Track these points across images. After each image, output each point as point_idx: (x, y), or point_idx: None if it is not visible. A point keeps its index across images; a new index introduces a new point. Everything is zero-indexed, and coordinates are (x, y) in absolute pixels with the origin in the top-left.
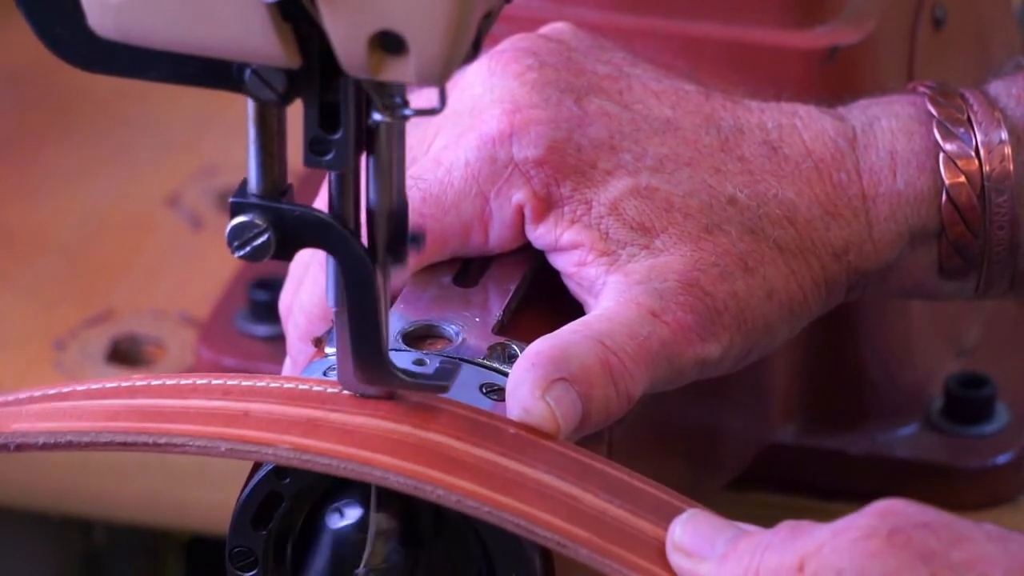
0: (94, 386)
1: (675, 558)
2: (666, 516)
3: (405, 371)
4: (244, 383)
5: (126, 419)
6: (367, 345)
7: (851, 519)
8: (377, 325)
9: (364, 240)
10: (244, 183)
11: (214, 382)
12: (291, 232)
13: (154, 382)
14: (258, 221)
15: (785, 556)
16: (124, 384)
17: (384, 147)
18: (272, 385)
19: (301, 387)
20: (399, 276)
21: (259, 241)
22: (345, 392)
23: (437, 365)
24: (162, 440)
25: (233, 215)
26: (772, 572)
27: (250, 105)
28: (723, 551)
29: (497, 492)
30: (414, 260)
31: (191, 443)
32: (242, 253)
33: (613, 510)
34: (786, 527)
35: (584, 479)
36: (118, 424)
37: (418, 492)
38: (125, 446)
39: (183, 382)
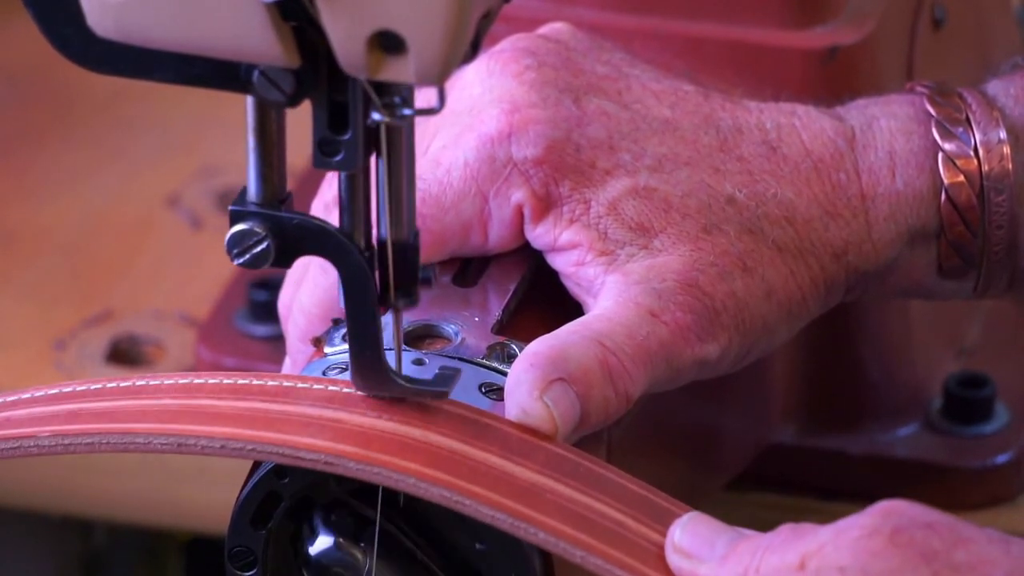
0: None
1: (675, 559)
2: (448, 424)
3: (405, 377)
4: (9, 398)
5: None
6: (366, 351)
7: (854, 519)
8: (376, 333)
9: (375, 275)
10: (243, 191)
11: None
12: (290, 240)
13: None
14: (257, 229)
15: (787, 555)
16: None
17: (386, 147)
18: (37, 395)
19: (65, 390)
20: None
21: (258, 249)
22: (94, 387)
23: (436, 365)
24: None
25: (232, 223)
26: (774, 570)
27: (249, 114)
28: (723, 552)
29: (260, 430)
30: None
31: None
32: (241, 261)
33: (381, 424)
34: (787, 528)
35: (348, 404)
36: None
37: (182, 450)
38: None
39: None
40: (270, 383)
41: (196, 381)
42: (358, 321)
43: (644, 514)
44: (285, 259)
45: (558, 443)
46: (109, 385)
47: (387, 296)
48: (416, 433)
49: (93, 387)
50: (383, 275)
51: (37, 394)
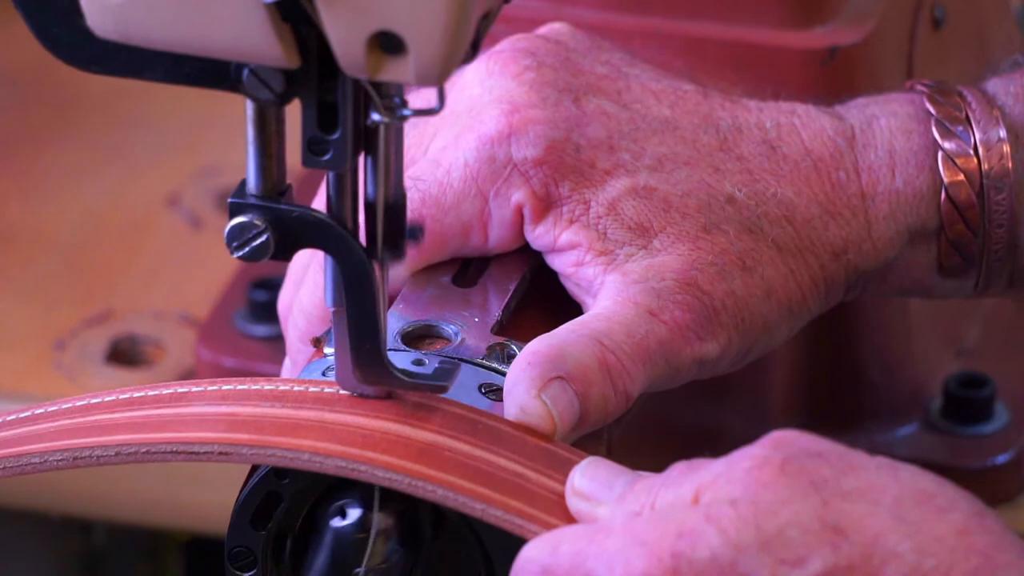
0: None
1: (574, 502)
2: (341, 402)
3: (404, 371)
4: None
5: None
6: (366, 345)
7: (744, 450)
8: (376, 325)
9: (362, 236)
10: (243, 184)
11: None
12: (290, 232)
13: None
14: (257, 221)
15: (681, 490)
16: None
17: (382, 147)
18: None
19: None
20: (399, 275)
21: (258, 241)
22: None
23: (436, 365)
24: None
25: (232, 215)
26: (668, 506)
27: (249, 105)
28: (621, 492)
29: (152, 433)
30: (414, 259)
31: None
32: (241, 254)
33: (274, 411)
34: (682, 464)
35: (241, 399)
36: None
37: (78, 463)
38: None
39: None
40: (164, 391)
41: (92, 401)
42: (358, 314)
43: (545, 465)
44: (285, 252)
45: (457, 404)
46: (9, 418)
47: (374, 249)
48: (310, 415)
49: (49, 409)
50: (371, 229)
51: None
